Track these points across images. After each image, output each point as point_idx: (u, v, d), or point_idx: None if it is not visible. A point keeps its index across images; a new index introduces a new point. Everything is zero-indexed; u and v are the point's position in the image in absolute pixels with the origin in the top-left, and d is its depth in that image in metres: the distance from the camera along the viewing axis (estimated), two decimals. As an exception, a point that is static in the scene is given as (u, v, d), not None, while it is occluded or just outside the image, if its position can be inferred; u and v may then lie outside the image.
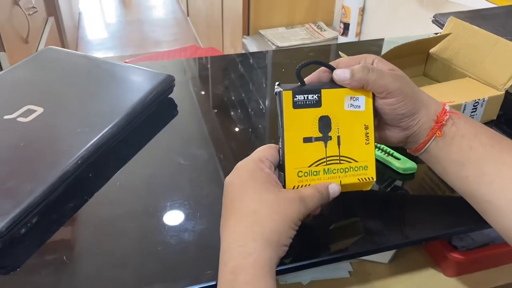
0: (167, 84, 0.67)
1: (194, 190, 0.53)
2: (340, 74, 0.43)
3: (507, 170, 0.40)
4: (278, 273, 0.44)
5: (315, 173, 0.43)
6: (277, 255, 0.38)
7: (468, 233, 0.60)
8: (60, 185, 0.49)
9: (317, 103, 0.43)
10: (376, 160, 0.57)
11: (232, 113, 0.70)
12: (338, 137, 0.43)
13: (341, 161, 0.43)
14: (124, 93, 0.63)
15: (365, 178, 0.44)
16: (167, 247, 0.45)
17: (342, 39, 1.62)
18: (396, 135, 0.46)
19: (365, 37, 1.61)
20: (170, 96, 0.69)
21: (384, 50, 0.94)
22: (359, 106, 0.44)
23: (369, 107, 0.44)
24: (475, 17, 0.82)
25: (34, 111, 0.58)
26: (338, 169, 0.43)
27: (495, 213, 0.41)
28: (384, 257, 0.60)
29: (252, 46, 1.66)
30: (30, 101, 0.60)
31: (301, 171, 0.42)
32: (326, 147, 0.43)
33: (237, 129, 0.66)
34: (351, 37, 1.59)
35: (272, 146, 0.44)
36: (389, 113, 0.44)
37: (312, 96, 0.43)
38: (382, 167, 0.57)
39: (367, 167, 0.44)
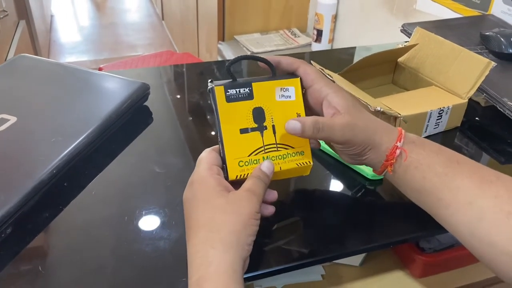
0: (142, 92, 0.68)
1: (169, 198, 0.53)
2: (291, 127, 0.44)
3: (461, 195, 0.42)
4: (254, 278, 0.46)
5: (255, 162, 0.45)
6: (239, 256, 0.39)
7: (436, 235, 0.62)
8: (34, 195, 0.49)
9: (249, 96, 0.45)
10: (346, 166, 0.59)
11: (207, 120, 0.71)
12: (273, 126, 0.46)
13: (279, 149, 0.46)
14: (99, 101, 0.64)
15: (302, 163, 0.47)
16: (143, 255, 0.46)
17: (315, 46, 1.65)
18: (348, 160, 0.49)
19: (338, 43, 1.65)
20: (145, 104, 0.70)
21: (355, 58, 0.97)
22: (289, 96, 0.47)
23: (298, 96, 0.47)
24: (441, 26, 0.86)
25: (7, 120, 0.58)
26: (276, 156, 0.46)
27: (454, 231, 0.43)
28: (356, 260, 0.62)
29: (228, 52, 1.67)
30: (3, 110, 0.60)
31: (242, 161, 0.44)
32: (262, 136, 0.45)
33: (212, 136, 0.67)
34: (324, 44, 1.62)
35: (214, 148, 0.45)
36: (338, 149, 0.47)
37: (244, 90, 0.45)
38: (351, 173, 0.59)
39: (303, 152, 0.47)
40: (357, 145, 0.45)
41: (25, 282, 0.43)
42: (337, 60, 0.97)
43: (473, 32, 0.85)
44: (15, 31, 2.02)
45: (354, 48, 1.03)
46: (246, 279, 0.45)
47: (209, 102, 0.46)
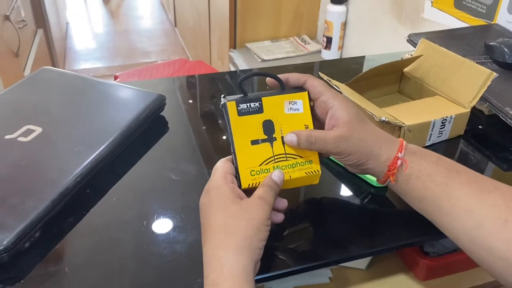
0: (159, 103, 0.71)
1: (185, 204, 0.57)
2: (288, 139, 0.48)
3: (460, 203, 0.45)
4: (264, 280, 0.49)
5: (266, 171, 0.48)
6: (251, 259, 0.42)
7: (439, 240, 0.65)
8: (60, 201, 0.53)
9: (259, 110, 0.48)
10: (352, 174, 0.62)
11: (220, 129, 0.74)
12: (282, 137, 0.49)
13: (288, 158, 0.49)
14: (118, 112, 0.67)
15: (311, 172, 0.50)
16: (161, 257, 0.49)
17: (325, 53, 1.68)
18: (351, 169, 0.51)
19: (347, 50, 1.67)
20: (162, 114, 0.74)
21: (364, 67, 1.00)
22: (297, 109, 0.50)
23: (306, 109, 0.50)
24: (446, 37, 0.88)
25: (33, 131, 0.62)
26: (286, 166, 0.49)
27: (455, 238, 0.46)
28: (362, 263, 0.65)
29: (239, 60, 1.70)
30: (29, 121, 0.63)
31: (253, 170, 0.48)
32: (272, 147, 0.49)
33: (224, 145, 0.70)
34: (333, 51, 1.65)
35: (228, 158, 0.49)
36: (337, 159, 0.50)
37: (254, 104, 0.48)
38: (358, 181, 0.62)
39: (311, 161, 0.50)
40: (352, 156, 0.48)
41: (53, 282, 0.47)
42: (346, 70, 1.00)
43: (478, 41, 0.87)
44: (33, 40, 2.08)
45: (363, 57, 1.06)
46: (257, 281, 0.48)
47: (220, 108, 0.49)
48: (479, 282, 0.65)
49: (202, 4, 2.13)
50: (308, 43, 1.79)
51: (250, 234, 0.42)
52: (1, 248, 0.46)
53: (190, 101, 0.82)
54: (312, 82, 0.50)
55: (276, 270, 0.49)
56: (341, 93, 0.63)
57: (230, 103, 0.48)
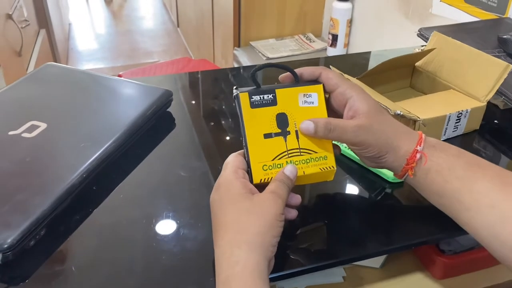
0: (166, 98, 0.70)
1: (195, 201, 0.55)
2: (304, 127, 0.46)
3: (481, 198, 0.43)
4: (276, 279, 0.47)
5: (278, 166, 0.46)
6: (264, 256, 0.40)
7: (455, 237, 0.63)
8: (66, 198, 0.51)
9: (273, 102, 0.47)
10: (366, 169, 0.60)
11: (228, 125, 0.72)
12: (296, 131, 0.47)
13: (302, 153, 0.47)
14: (125, 108, 0.66)
15: (326, 167, 0.48)
16: (171, 255, 0.47)
17: (330, 50, 1.66)
18: (369, 163, 0.49)
19: (353, 48, 1.66)
20: (168, 110, 0.72)
21: (370, 63, 0.98)
22: (312, 102, 0.48)
23: (321, 102, 0.48)
24: (457, 30, 0.86)
25: (38, 126, 0.60)
26: (300, 161, 0.47)
27: (476, 234, 0.44)
28: (376, 262, 0.63)
29: (243, 58, 1.69)
30: (33, 117, 0.62)
31: (266, 165, 0.46)
32: (286, 141, 0.46)
33: (233, 141, 0.68)
34: (339, 48, 1.63)
35: (240, 153, 0.47)
36: (355, 151, 0.48)
37: (268, 96, 0.46)
38: (372, 176, 0.60)
39: (326, 157, 0.48)
40: (372, 147, 0.46)
41: (59, 281, 0.45)
42: (352, 65, 0.98)
43: (490, 35, 0.85)
44: (36, 40, 2.07)
45: (369, 53, 1.04)
46: (269, 280, 0.46)
47: (233, 105, 0.47)
48: (498, 280, 0.63)
49: (206, 3, 2.12)
50: (313, 41, 1.78)
51: (263, 230, 0.40)
52: (6, 246, 0.44)
53: (196, 97, 0.81)
54: (327, 74, 0.48)
55: (288, 269, 0.47)
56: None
57: (242, 95, 0.46)
